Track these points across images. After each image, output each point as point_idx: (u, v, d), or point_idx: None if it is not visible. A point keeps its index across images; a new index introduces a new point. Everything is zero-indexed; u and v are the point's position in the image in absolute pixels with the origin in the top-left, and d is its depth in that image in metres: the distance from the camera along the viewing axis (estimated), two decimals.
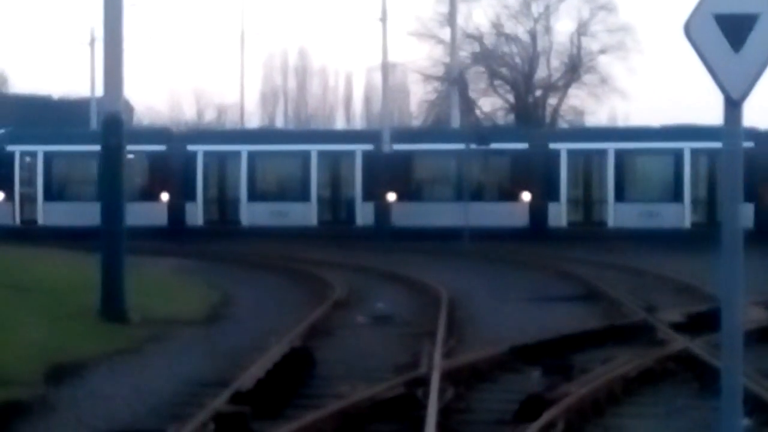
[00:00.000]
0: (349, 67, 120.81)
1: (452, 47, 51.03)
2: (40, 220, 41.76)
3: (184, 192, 41.43)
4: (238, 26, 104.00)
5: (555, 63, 63.97)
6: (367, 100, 79.85)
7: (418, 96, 69.10)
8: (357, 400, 11.30)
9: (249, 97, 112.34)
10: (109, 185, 18.68)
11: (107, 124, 18.73)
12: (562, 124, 62.21)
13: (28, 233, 39.71)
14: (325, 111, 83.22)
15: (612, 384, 12.32)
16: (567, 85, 64.03)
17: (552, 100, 64.51)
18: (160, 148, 42.15)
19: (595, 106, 70.68)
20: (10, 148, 42.42)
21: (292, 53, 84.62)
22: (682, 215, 39.12)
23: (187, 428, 9.95)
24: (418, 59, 65.29)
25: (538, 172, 40.17)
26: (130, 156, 41.61)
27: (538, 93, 64.34)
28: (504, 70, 64.20)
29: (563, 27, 72.85)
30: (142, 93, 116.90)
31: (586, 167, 40.88)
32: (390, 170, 40.66)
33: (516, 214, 39.77)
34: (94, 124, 48.80)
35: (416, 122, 68.19)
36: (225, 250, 35.50)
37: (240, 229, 41.12)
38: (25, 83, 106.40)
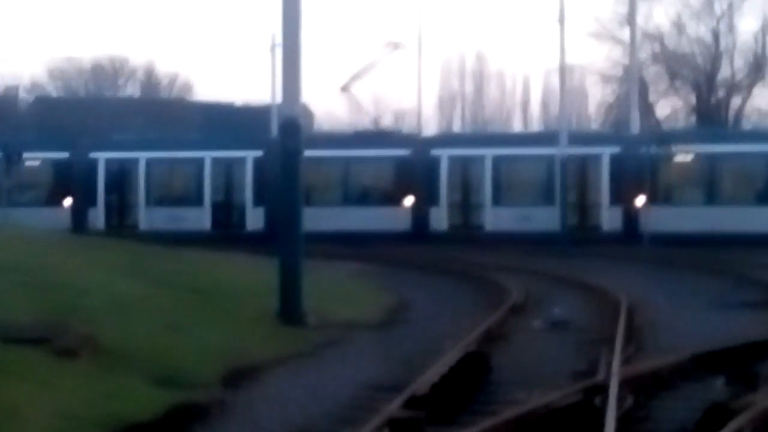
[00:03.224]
0: (527, 70, 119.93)
1: (632, 47, 50.16)
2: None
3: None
4: (415, 31, 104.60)
5: (739, 63, 62.58)
6: (545, 104, 79.18)
7: (597, 98, 68.35)
8: (533, 406, 11.09)
9: (426, 101, 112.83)
10: (287, 189, 18.77)
11: (285, 129, 18.84)
12: (747, 126, 60.66)
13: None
14: (503, 114, 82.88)
15: None
16: (751, 86, 62.48)
17: (735, 101, 62.98)
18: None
19: None
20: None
21: (470, 57, 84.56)
22: (555, 219, 38.64)
23: None
24: (597, 61, 64.59)
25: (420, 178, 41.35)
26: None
27: (721, 94, 62.88)
28: (685, 71, 62.92)
29: (747, 25, 71.20)
30: (322, 99, 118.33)
31: (465, 173, 41.52)
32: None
33: (399, 218, 40.90)
34: (274, 130, 49.48)
35: (595, 125, 67.34)
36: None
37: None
38: (209, 91, 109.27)
